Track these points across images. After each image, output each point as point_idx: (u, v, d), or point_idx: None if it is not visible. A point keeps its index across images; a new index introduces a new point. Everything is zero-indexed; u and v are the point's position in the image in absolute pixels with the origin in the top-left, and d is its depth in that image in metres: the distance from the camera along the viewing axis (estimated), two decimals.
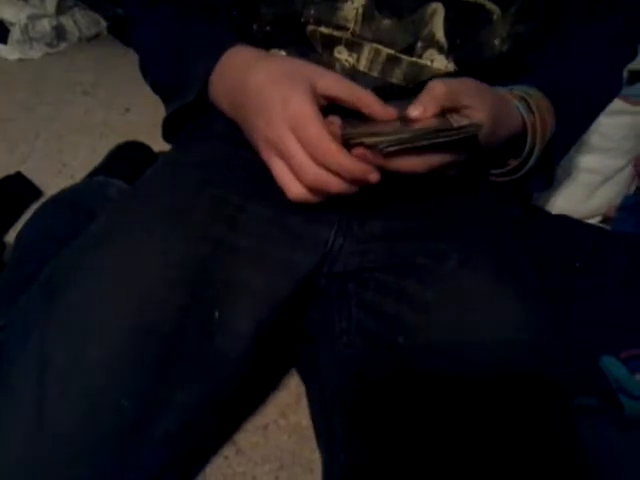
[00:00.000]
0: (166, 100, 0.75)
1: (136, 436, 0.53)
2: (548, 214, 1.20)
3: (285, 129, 0.53)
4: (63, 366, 0.52)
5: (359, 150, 0.53)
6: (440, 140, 0.52)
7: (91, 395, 0.51)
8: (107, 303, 0.54)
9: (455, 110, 0.56)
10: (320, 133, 0.51)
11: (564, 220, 1.16)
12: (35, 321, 0.55)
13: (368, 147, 0.53)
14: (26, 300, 0.59)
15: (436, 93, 0.55)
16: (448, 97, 0.55)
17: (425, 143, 0.52)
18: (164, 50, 0.73)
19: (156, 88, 0.78)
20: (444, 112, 0.56)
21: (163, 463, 0.57)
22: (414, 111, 0.54)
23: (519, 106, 0.62)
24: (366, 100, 0.55)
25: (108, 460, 0.52)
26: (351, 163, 0.52)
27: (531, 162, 0.64)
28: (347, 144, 0.54)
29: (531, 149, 0.64)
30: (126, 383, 0.53)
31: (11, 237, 1.05)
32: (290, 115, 0.53)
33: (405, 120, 0.56)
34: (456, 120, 0.55)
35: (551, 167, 0.69)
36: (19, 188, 1.19)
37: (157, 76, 0.76)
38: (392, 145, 0.51)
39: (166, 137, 0.75)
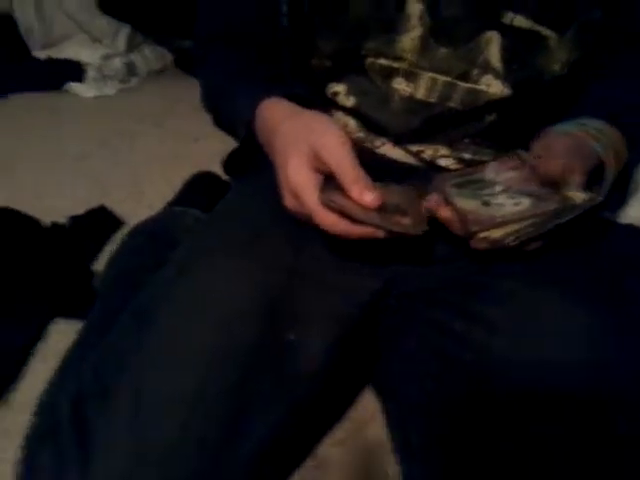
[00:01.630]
0: (227, 132, 0.79)
1: (223, 455, 0.57)
2: (618, 224, 1.18)
3: (289, 195, 0.58)
4: (155, 394, 0.57)
5: (481, 242, 0.56)
6: (563, 221, 0.54)
7: (181, 419, 0.56)
8: (187, 334, 0.59)
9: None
10: (309, 203, 0.55)
11: (635, 229, 1.13)
12: (128, 352, 0.60)
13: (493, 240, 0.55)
14: (119, 329, 0.65)
15: (552, 171, 0.58)
16: (560, 173, 0.58)
17: (550, 227, 0.55)
18: (220, 91, 0.78)
19: (216, 122, 0.83)
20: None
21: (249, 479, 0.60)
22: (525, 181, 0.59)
23: (596, 146, 0.62)
24: (347, 180, 0.55)
25: (200, 477, 0.56)
26: (349, 229, 0.55)
27: (605, 191, 0.63)
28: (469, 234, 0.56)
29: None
30: (211, 408, 0.57)
31: (98, 265, 1.12)
32: (287, 183, 0.57)
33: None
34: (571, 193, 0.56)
35: (625, 186, 0.70)
36: (103, 220, 1.27)
37: (216, 113, 0.81)
38: (518, 239, 0.55)
39: (229, 170, 0.79)
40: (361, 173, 0.55)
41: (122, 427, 0.56)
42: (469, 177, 0.64)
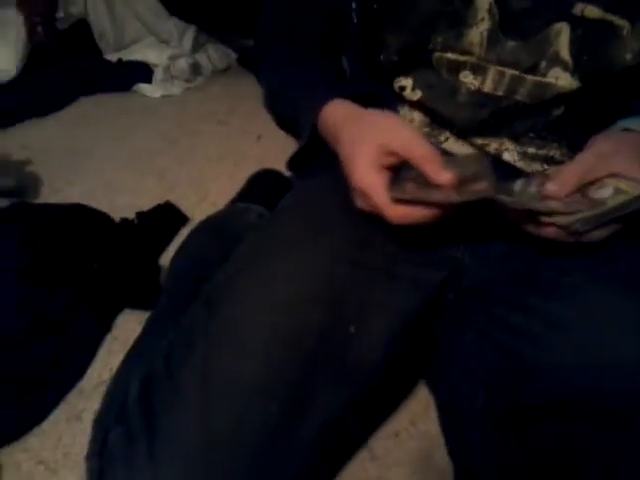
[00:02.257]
0: (289, 133, 0.81)
1: (283, 437, 0.59)
2: None
3: (359, 198, 0.59)
4: (222, 375, 0.59)
5: (551, 230, 0.58)
6: (629, 211, 0.55)
7: (245, 400, 0.58)
8: (257, 319, 0.61)
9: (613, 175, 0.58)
10: (379, 202, 0.56)
11: None
12: (198, 336, 0.63)
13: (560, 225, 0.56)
14: (189, 318, 0.67)
15: (569, 176, 0.58)
16: (583, 177, 0.58)
17: (615, 217, 0.55)
18: (281, 93, 0.80)
19: (278, 123, 0.84)
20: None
21: (306, 464, 0.62)
22: (552, 187, 0.58)
23: None
24: (421, 161, 0.56)
25: (261, 457, 0.58)
26: (413, 221, 0.56)
27: None
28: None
29: None
30: (274, 391, 0.59)
31: (164, 260, 1.16)
32: (356, 185, 0.58)
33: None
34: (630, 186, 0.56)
35: None
36: (169, 215, 1.31)
37: (278, 114, 0.83)
38: (586, 225, 0.56)
39: (293, 168, 0.80)
40: (434, 151, 0.56)
41: (189, 408, 0.58)
42: (499, 187, 0.64)
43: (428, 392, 0.88)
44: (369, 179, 0.56)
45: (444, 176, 0.54)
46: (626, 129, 0.63)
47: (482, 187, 0.55)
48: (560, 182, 0.58)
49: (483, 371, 0.65)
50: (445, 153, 0.72)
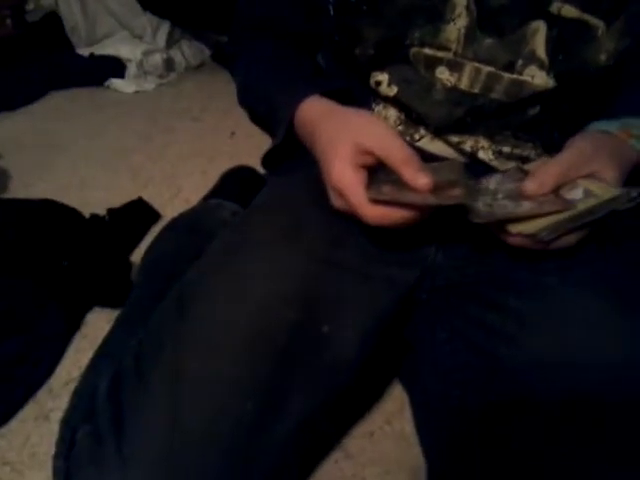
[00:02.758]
0: (263, 129, 0.80)
1: (256, 437, 0.58)
2: None
3: (336, 196, 0.59)
4: (194, 374, 0.58)
5: (517, 239, 0.57)
6: (598, 216, 0.55)
7: (218, 399, 0.57)
8: (229, 317, 0.60)
9: (585, 176, 0.58)
10: (356, 202, 0.55)
11: None
12: (168, 335, 0.62)
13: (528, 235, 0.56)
14: (159, 316, 0.66)
15: (548, 176, 0.58)
16: (562, 177, 0.58)
17: (585, 222, 0.55)
18: (256, 89, 0.79)
19: (252, 119, 0.83)
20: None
21: (279, 463, 0.61)
22: (531, 186, 0.58)
23: (634, 144, 0.61)
24: (397, 163, 0.55)
25: (233, 456, 0.57)
26: (390, 222, 0.56)
27: None
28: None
29: None
30: (246, 390, 0.58)
31: (136, 257, 1.15)
32: (333, 185, 0.57)
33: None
34: (600, 188, 0.56)
35: None
36: (141, 212, 1.30)
37: (252, 109, 0.82)
38: (553, 233, 0.55)
39: (266, 166, 0.79)
40: (412, 154, 0.55)
41: (158, 408, 0.57)
42: (475, 187, 0.64)
43: (403, 391, 0.88)
44: (346, 178, 0.56)
45: (421, 180, 0.54)
46: (603, 131, 0.63)
47: (457, 193, 0.55)
48: (539, 181, 0.58)
49: (456, 370, 0.65)
50: (419, 151, 0.72)
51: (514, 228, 0.57)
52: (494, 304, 0.65)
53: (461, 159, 0.71)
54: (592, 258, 0.64)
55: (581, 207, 0.55)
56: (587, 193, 0.56)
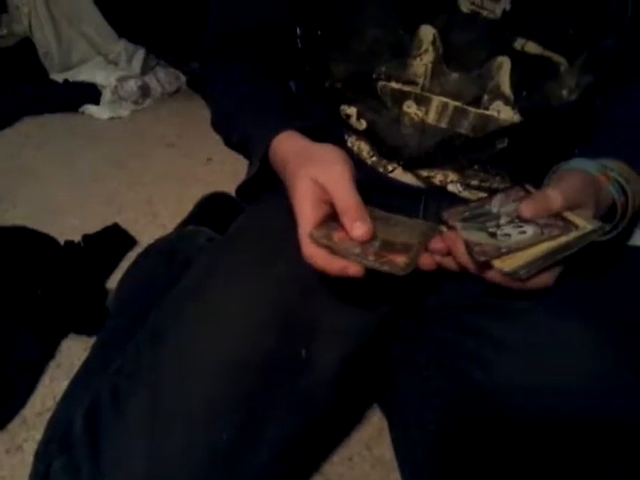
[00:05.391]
0: (239, 153, 0.80)
1: (234, 466, 0.58)
2: (632, 248, 1.17)
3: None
4: (170, 405, 0.58)
5: (495, 275, 0.55)
6: (574, 251, 0.54)
7: (194, 429, 0.57)
8: (205, 346, 0.60)
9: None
10: (300, 232, 0.55)
11: None
12: (144, 364, 0.62)
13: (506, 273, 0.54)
14: (135, 345, 0.66)
15: (553, 204, 0.57)
16: (564, 207, 0.57)
17: (559, 258, 0.55)
18: (229, 118, 0.79)
19: (227, 144, 0.83)
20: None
21: None
22: (527, 212, 0.57)
23: (612, 189, 0.61)
24: (340, 210, 0.55)
25: None
26: (327, 266, 0.54)
27: (614, 233, 0.63)
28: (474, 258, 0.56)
29: (618, 222, 0.63)
30: (224, 419, 0.57)
31: (112, 284, 1.13)
32: (294, 216, 0.58)
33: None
34: (573, 223, 0.56)
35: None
36: (116, 238, 1.29)
37: (226, 136, 0.82)
38: (532, 270, 0.54)
39: (242, 196, 0.78)
40: (355, 203, 0.55)
41: (135, 439, 0.56)
42: (476, 210, 0.64)
43: (382, 417, 0.88)
44: (300, 209, 0.56)
45: (358, 229, 0.54)
46: (585, 171, 0.62)
47: (400, 262, 0.53)
48: (535, 212, 0.58)
49: (433, 395, 0.65)
50: (392, 183, 0.73)
51: (495, 264, 0.55)
52: (471, 328, 0.65)
53: (433, 224, 0.67)
54: (569, 284, 0.64)
55: (563, 240, 0.55)
56: (567, 225, 0.56)
